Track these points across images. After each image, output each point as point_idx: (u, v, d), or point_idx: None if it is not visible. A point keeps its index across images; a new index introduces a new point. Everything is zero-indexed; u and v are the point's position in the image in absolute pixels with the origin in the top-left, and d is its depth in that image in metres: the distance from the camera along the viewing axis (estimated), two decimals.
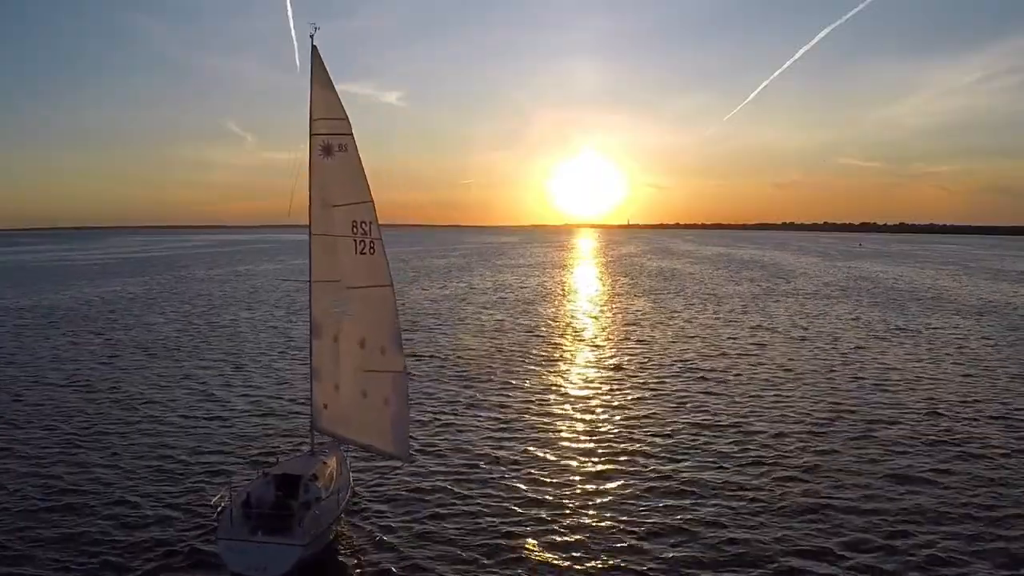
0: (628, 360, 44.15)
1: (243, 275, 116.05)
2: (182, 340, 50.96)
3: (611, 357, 45.32)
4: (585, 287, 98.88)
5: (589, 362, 44.10)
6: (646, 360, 44.06)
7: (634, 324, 59.69)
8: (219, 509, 17.97)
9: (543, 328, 57.70)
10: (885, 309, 70.26)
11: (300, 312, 62.04)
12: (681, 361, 43.65)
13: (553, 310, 70.17)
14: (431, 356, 45.10)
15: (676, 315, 65.41)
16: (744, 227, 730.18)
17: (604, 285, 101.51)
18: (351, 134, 20.15)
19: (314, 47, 20.33)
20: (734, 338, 52.20)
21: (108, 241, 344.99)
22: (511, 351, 47.10)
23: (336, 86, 19.91)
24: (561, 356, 45.82)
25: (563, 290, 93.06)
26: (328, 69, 19.95)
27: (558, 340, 51.92)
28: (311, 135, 20.40)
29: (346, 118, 20.13)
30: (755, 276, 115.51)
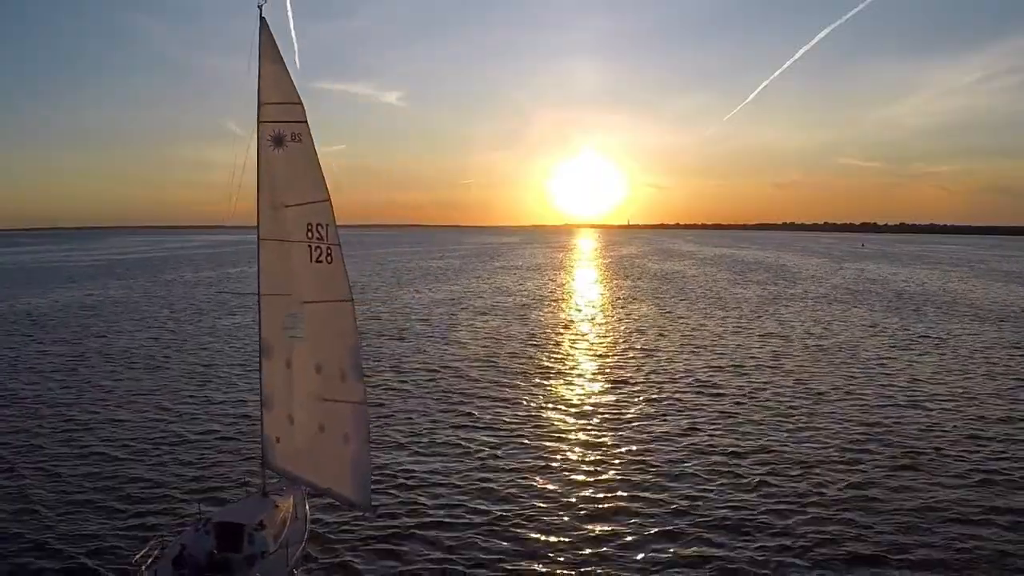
0: (633, 374, 40.84)
1: (233, 277, 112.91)
2: (152, 351, 47.62)
3: (615, 370, 41.99)
4: (586, 291, 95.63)
5: (591, 376, 40.76)
6: (652, 373, 40.74)
7: (638, 332, 56.35)
8: (146, 564, 15.27)
9: (541, 337, 54.35)
10: (902, 314, 66.94)
11: None
12: (690, 375, 40.30)
13: (552, 316, 66.83)
14: (417, 368, 41.77)
15: (682, 321, 62.09)
16: (744, 227, 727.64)
17: (606, 289, 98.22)
18: (306, 121, 16.94)
19: (263, 19, 17.05)
20: (746, 348, 48.86)
21: (108, 241, 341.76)
22: (506, 363, 43.74)
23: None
24: (560, 369, 42.47)
25: (563, 294, 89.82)
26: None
27: (557, 350, 48.60)
28: (259, 122, 17.20)
29: (300, 103, 16.88)
30: (761, 279, 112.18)
